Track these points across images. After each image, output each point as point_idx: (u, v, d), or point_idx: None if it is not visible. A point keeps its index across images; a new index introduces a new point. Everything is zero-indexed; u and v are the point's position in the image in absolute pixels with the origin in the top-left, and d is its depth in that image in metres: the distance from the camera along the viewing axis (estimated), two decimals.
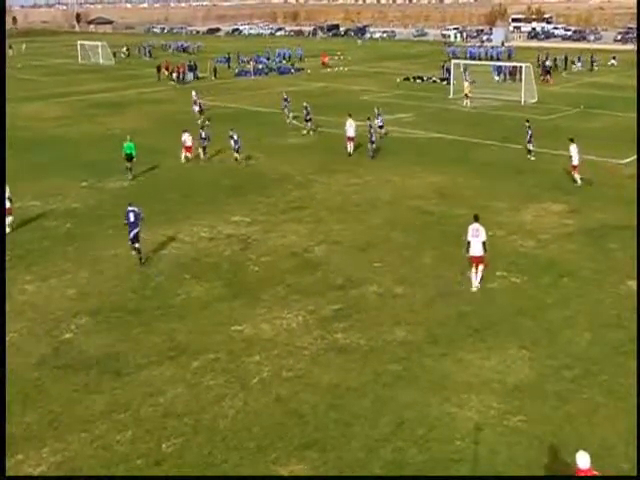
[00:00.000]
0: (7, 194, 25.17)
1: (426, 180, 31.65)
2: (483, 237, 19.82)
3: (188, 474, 12.73)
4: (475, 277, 19.96)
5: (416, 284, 20.46)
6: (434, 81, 66.39)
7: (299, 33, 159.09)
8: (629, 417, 13.84)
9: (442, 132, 42.15)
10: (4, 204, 24.76)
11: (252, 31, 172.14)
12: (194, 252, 23.41)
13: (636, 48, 55.69)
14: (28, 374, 16.00)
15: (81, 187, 31.72)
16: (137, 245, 22.45)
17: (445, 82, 62.46)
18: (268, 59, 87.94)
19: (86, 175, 33.44)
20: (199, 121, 41.01)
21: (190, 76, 71.83)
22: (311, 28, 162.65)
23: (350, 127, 36.44)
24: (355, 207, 27.98)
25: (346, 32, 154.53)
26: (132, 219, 22.44)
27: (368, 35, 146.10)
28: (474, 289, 19.86)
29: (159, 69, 72.70)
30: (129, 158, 32.98)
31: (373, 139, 36.20)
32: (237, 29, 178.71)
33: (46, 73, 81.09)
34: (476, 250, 19.78)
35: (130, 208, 22.58)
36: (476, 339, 17.17)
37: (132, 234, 22.33)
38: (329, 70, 79.15)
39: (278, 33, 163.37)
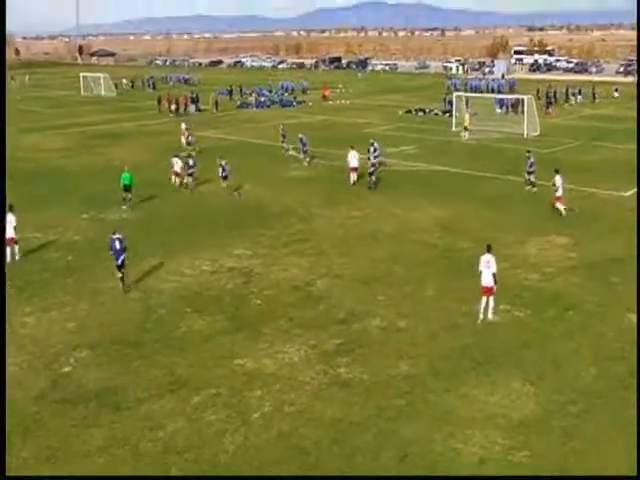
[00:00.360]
0: (14, 223, 25.44)
1: (429, 213, 31.78)
2: (494, 268, 20.03)
3: None
4: (484, 308, 20.04)
5: (419, 317, 20.47)
6: (436, 114, 66.90)
7: (301, 66, 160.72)
8: (635, 452, 13.76)
9: (445, 165, 42.38)
10: (4, 234, 24.88)
11: (254, 63, 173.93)
12: (196, 285, 23.45)
13: (636, 80, 56.30)
14: (27, 408, 15.97)
15: (82, 219, 31.84)
16: (121, 274, 22.85)
17: (447, 115, 62.94)
18: (270, 91, 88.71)
19: (87, 207, 33.59)
20: (183, 153, 41.47)
21: (192, 108, 72.43)
22: (313, 61, 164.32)
23: (354, 158, 37.26)
24: (357, 240, 28.08)
25: (348, 64, 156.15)
26: (117, 247, 22.84)
27: (370, 67, 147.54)
28: (489, 318, 19.98)
29: (160, 101, 73.36)
30: (127, 188, 33.61)
31: (371, 171, 36.74)
32: (239, 61, 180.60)
33: (48, 105, 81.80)
34: (486, 281, 20.02)
35: (114, 236, 23.00)
36: (480, 373, 17.14)
37: (120, 261, 22.77)
38: (331, 103, 79.81)
39: (280, 66, 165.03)
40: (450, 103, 63.05)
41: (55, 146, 52.34)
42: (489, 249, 20.36)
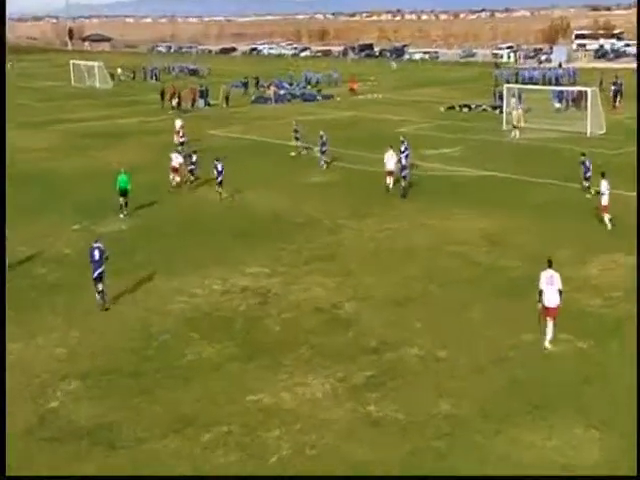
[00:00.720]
0: None
1: (472, 224, 31.86)
2: (559, 284, 19.98)
3: None
4: (548, 333, 20.05)
5: (462, 347, 20.51)
6: (484, 109, 66.96)
7: (327, 54, 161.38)
8: None
9: (492, 169, 42.42)
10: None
11: (273, 51, 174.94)
12: (204, 307, 23.71)
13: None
14: (13, 444, 16.15)
15: (72, 230, 32.26)
16: (101, 287, 23.33)
17: (497, 111, 62.98)
18: (291, 84, 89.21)
19: (78, 216, 34.02)
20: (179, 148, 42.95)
21: (201, 103, 72.99)
22: (341, 48, 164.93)
23: (390, 159, 37.57)
24: (390, 256, 28.23)
25: (381, 53, 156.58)
26: (97, 257, 23.36)
27: (406, 56, 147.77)
28: (547, 346, 20.05)
29: (163, 95, 73.80)
30: (123, 193, 33.98)
31: (404, 174, 37.07)
32: (255, 49, 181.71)
33: (34, 97, 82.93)
34: (551, 300, 19.93)
35: (95, 245, 23.61)
36: (535, 415, 17.11)
37: (96, 273, 23.29)
38: (361, 97, 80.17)
39: (303, 54, 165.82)
40: (501, 97, 63.08)
41: (41, 145, 53.05)
42: (550, 264, 20.29)
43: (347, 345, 20.80)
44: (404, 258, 27.93)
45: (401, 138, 40.28)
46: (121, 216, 33.79)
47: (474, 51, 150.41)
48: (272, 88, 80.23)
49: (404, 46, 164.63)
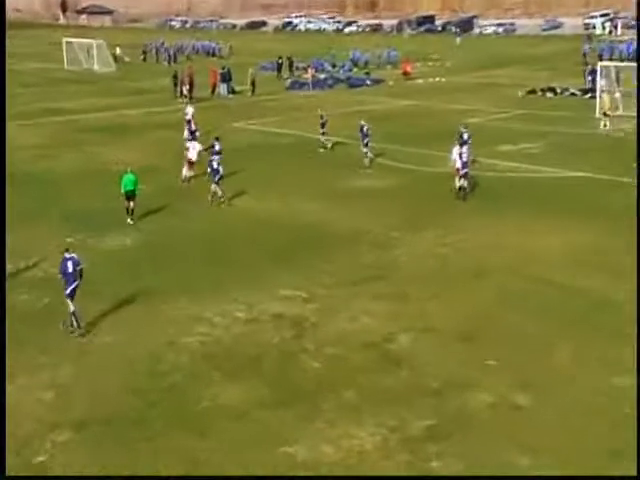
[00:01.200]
0: None
1: (556, 239, 31.63)
2: None
3: None
4: None
5: (546, 392, 20.33)
6: (573, 94, 66.62)
7: (377, 28, 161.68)
8: None
9: (582, 169, 42.11)
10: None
11: (311, 26, 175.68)
12: (225, 339, 23.75)
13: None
14: None
15: (66, 244, 32.37)
16: (72, 308, 23.71)
17: (588, 95, 62.57)
18: (334, 66, 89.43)
19: (72, 227, 34.24)
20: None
21: (223, 89, 73.20)
22: (395, 22, 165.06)
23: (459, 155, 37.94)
24: (454, 277, 28.14)
25: (444, 27, 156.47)
26: (70, 269, 23.71)
27: (476, 30, 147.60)
28: None
29: (176, 80, 73.91)
30: (130, 196, 34.67)
31: (463, 173, 37.32)
32: (290, 23, 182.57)
33: (20, 83, 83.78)
34: None
35: (68, 255, 23.94)
36: None
37: (70, 289, 23.72)
38: (420, 82, 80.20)
39: (348, 29, 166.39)
40: (594, 79, 62.62)
41: (29, 142, 53.59)
42: None
43: (402, 387, 20.71)
44: (472, 280, 27.83)
45: (461, 128, 40.13)
46: (129, 221, 34.66)
47: (560, 21, 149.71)
48: (310, 71, 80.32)
49: (473, 17, 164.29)
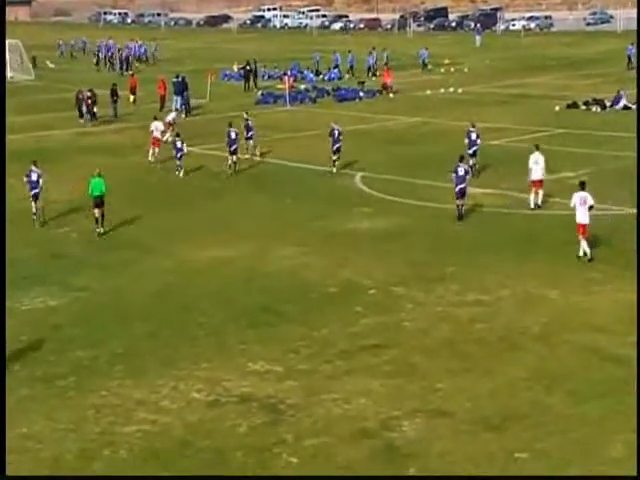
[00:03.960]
0: None
1: (611, 296, 31.66)
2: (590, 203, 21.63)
3: None
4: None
5: None
6: (626, 107, 66.77)
7: (374, 25, 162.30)
8: None
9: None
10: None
11: (288, 21, 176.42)
12: (178, 430, 23.56)
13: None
14: None
15: None
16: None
17: None
18: (318, 73, 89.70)
19: None
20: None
21: (177, 103, 72.78)
22: (396, 17, 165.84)
23: (537, 164, 40.72)
24: (477, 346, 28.09)
25: (461, 22, 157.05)
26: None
27: (501, 26, 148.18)
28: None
29: (114, 92, 72.58)
30: (98, 202, 38.82)
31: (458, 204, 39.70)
32: (261, 17, 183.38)
33: None
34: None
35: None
36: None
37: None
38: (429, 93, 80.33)
39: (335, 25, 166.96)
40: None
41: None
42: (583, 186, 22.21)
43: None
44: (500, 351, 27.78)
45: (469, 127, 40.96)
46: (98, 230, 39.03)
47: (609, 13, 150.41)
48: (286, 80, 79.62)
49: (497, 10, 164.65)
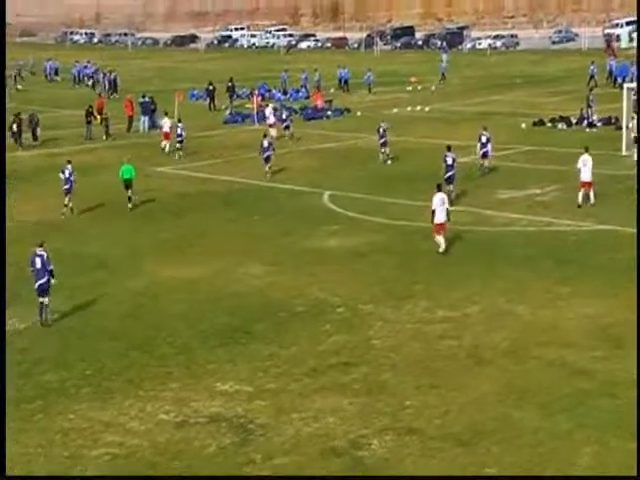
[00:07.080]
0: None
1: (579, 310, 31.81)
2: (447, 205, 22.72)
3: None
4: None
5: None
6: (591, 124, 67.04)
7: (341, 44, 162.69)
8: None
9: (609, 221, 42.12)
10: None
11: (255, 40, 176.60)
12: (146, 452, 23.51)
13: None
14: None
15: None
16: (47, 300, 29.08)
17: (614, 126, 63.27)
18: (285, 93, 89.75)
19: None
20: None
21: (144, 124, 72.71)
22: (363, 35, 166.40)
23: (585, 166, 43.33)
24: (446, 363, 28.17)
25: (427, 40, 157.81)
26: (39, 265, 29.40)
27: (467, 44, 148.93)
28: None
29: (88, 114, 72.18)
30: (127, 184, 47.03)
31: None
32: (228, 37, 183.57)
33: None
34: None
35: (38, 251, 30.44)
36: None
37: (38, 284, 29.99)
38: (395, 111, 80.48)
39: (303, 44, 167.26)
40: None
41: None
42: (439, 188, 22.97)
43: None
44: (469, 366, 27.87)
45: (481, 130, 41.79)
46: (129, 206, 46.57)
47: (574, 31, 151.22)
48: (254, 99, 79.51)
49: (463, 28, 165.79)
